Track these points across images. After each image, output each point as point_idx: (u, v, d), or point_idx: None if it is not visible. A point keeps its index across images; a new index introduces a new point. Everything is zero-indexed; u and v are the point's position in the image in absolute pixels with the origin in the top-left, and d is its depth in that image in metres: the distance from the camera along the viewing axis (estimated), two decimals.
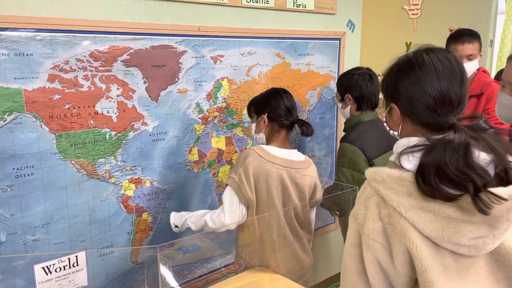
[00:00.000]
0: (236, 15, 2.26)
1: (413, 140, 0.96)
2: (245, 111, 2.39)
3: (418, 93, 0.95)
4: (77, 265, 1.89)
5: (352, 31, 2.91)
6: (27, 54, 1.64)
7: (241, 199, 1.78)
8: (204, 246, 2.30)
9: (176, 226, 1.94)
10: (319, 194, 2.00)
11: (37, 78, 1.67)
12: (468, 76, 2.26)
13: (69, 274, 1.87)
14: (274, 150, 1.84)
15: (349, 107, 2.18)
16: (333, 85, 2.83)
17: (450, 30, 3.00)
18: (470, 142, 0.89)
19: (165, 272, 1.56)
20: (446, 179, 0.87)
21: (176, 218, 1.95)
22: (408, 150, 0.93)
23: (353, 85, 2.14)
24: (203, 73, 2.16)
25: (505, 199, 0.84)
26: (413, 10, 3.45)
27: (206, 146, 2.25)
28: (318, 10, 2.63)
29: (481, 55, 2.37)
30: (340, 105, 2.24)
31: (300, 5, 2.53)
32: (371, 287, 0.95)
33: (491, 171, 0.90)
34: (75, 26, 1.73)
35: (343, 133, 2.23)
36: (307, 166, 1.91)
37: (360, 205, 0.98)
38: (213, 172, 2.31)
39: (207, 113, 2.22)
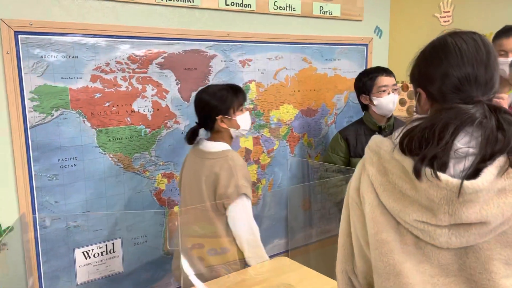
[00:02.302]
0: (264, 21, 2.39)
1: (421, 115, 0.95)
2: (272, 113, 2.50)
3: (443, 74, 0.92)
4: (114, 252, 2.05)
5: (380, 37, 2.98)
6: (73, 57, 1.83)
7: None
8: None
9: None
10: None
11: (81, 78, 1.86)
12: None
13: (106, 260, 2.03)
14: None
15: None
16: None
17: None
18: (462, 122, 0.85)
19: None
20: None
21: None
22: (413, 121, 0.92)
23: None
24: (232, 76, 2.30)
25: (439, 180, 0.83)
26: (444, 17, 3.47)
27: (234, 146, 2.37)
28: (344, 16, 2.72)
29: None
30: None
31: (326, 12, 2.63)
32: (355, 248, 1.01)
33: (467, 162, 0.86)
34: (115, 32, 1.92)
35: None
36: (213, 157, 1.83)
37: (356, 170, 1.04)
38: None
39: None
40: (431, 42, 0.99)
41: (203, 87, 1.89)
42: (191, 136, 1.88)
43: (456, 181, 0.82)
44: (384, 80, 2.23)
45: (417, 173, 0.84)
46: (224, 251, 1.85)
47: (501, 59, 2.17)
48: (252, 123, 2.42)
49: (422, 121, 0.89)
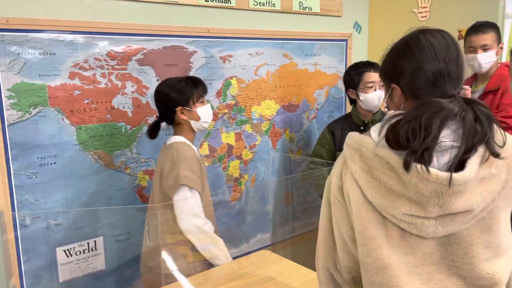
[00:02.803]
0: (244, 17, 2.40)
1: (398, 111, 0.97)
2: (254, 108, 2.51)
3: (417, 68, 0.94)
4: (96, 249, 2.04)
5: (359, 32, 3.01)
6: (50, 54, 1.82)
7: None
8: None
9: None
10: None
11: (59, 75, 1.85)
12: (486, 69, 2.21)
13: (88, 257, 2.02)
14: None
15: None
16: (340, 84, 2.93)
17: (459, 32, 3.06)
18: (464, 115, 0.89)
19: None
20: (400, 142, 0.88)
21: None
22: (390, 118, 0.93)
23: None
24: (213, 72, 2.31)
25: (428, 172, 0.85)
26: (422, 13, 3.52)
27: (216, 141, 2.38)
28: (324, 12, 2.75)
29: (501, 48, 2.26)
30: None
31: (306, 7, 2.66)
32: (336, 244, 1.03)
33: (452, 154, 0.89)
34: (94, 28, 1.91)
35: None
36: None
37: (335, 165, 1.05)
38: (223, 166, 2.43)
39: (217, 109, 2.35)
40: (402, 38, 1.01)
41: (163, 80, 1.89)
42: (152, 130, 1.86)
43: (445, 174, 0.85)
44: (371, 76, 2.22)
45: (407, 167, 0.86)
46: (207, 247, 1.87)
47: (470, 56, 2.22)
48: (233, 119, 2.43)
49: (403, 116, 0.90)
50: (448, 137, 0.90)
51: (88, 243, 2.00)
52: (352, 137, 0.99)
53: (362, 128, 2.27)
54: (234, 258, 1.91)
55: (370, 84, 2.22)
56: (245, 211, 2.55)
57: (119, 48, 1.99)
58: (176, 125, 1.86)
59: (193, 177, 1.74)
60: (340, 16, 2.85)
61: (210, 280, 1.73)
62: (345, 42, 2.91)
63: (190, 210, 1.74)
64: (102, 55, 1.94)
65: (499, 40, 2.25)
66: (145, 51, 2.06)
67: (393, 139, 0.89)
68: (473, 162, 0.88)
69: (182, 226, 1.74)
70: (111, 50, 1.96)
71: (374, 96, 2.21)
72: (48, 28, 1.80)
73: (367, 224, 0.93)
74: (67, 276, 1.96)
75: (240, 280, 1.73)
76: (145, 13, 2.06)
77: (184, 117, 1.81)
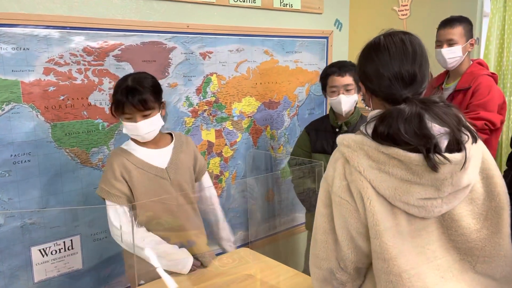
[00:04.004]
0: (224, 13, 2.38)
1: (376, 112, 1.07)
2: (234, 105, 2.50)
3: (375, 71, 1.07)
4: (72, 248, 2.00)
5: (340, 30, 3.02)
6: (24, 49, 1.77)
7: None
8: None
9: None
10: None
11: (33, 71, 1.80)
12: (452, 65, 2.17)
13: (64, 257, 1.98)
14: None
15: (359, 98, 2.17)
16: None
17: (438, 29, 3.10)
18: (423, 113, 0.99)
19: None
20: (401, 143, 0.98)
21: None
22: (371, 120, 1.05)
23: None
24: (192, 69, 2.28)
25: (449, 161, 0.96)
26: (402, 10, 3.55)
27: (196, 139, 2.36)
28: (304, 9, 2.75)
29: (471, 44, 2.20)
30: (356, 96, 2.14)
31: (286, 4, 2.65)
32: (339, 245, 1.05)
33: (445, 141, 1.00)
34: (69, 23, 1.86)
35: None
36: None
37: (330, 167, 1.09)
38: None
39: (196, 106, 2.33)
40: (368, 43, 1.12)
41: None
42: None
43: (460, 155, 0.98)
44: (334, 80, 2.12)
45: (434, 168, 0.96)
46: (190, 244, 1.85)
47: (436, 50, 2.20)
48: (213, 116, 2.41)
49: (379, 126, 1.00)
50: (436, 128, 1.00)
51: (64, 242, 1.97)
52: (348, 138, 1.05)
53: (337, 130, 2.19)
54: (216, 255, 1.91)
55: (334, 89, 2.12)
56: (225, 209, 2.54)
57: (95, 44, 1.95)
58: None
59: (106, 188, 1.66)
60: (321, 13, 2.86)
61: (191, 277, 1.72)
62: (326, 39, 2.91)
63: (110, 222, 1.67)
64: (78, 51, 1.90)
65: (469, 35, 2.19)
66: (123, 46, 2.03)
67: (392, 139, 0.99)
68: (469, 143, 1.00)
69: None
70: (88, 45, 1.93)
71: (337, 101, 2.12)
72: (22, 23, 1.75)
73: (379, 218, 0.99)
74: (43, 276, 1.92)
75: (221, 278, 1.72)
76: (123, 8, 2.02)
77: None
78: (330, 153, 1.17)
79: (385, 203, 1.00)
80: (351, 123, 2.18)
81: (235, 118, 2.52)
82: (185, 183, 1.80)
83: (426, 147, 0.96)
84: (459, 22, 2.18)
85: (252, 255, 1.87)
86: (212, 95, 2.39)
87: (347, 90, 2.11)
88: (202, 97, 2.35)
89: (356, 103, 2.19)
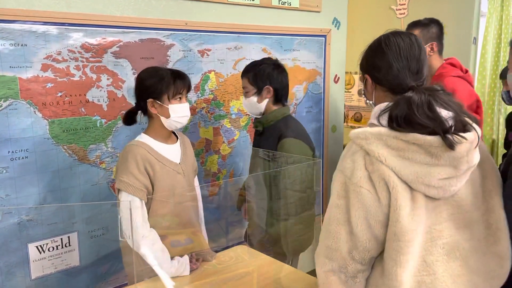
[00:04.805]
0: (223, 11, 2.38)
1: (384, 104, 1.15)
2: (232, 103, 2.50)
3: (385, 62, 1.18)
4: (70, 245, 2.00)
5: (338, 28, 3.03)
6: (22, 45, 1.77)
7: None
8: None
9: None
10: None
11: (31, 67, 1.80)
12: None
13: (61, 254, 1.98)
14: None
15: (266, 100, 2.06)
16: (319, 80, 2.94)
17: None
18: (431, 99, 1.09)
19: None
20: (417, 127, 1.06)
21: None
22: (383, 112, 1.13)
23: (273, 76, 2.04)
24: (190, 66, 2.28)
25: (466, 139, 1.04)
26: (400, 10, 3.56)
27: (194, 136, 2.36)
28: (303, 7, 2.75)
29: (432, 49, 2.17)
30: (255, 99, 2.06)
31: (285, 2, 2.65)
32: (354, 235, 1.10)
33: (452, 124, 1.08)
34: (67, 20, 1.86)
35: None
36: None
37: (347, 159, 1.14)
38: (201, 161, 2.42)
39: (194, 104, 2.33)
40: (377, 39, 1.23)
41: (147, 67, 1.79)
42: (126, 117, 1.78)
43: (473, 134, 1.07)
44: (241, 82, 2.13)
45: (451, 146, 1.03)
46: (188, 242, 1.85)
47: None
48: (211, 113, 2.41)
49: (394, 111, 1.09)
50: (444, 112, 1.08)
51: (61, 239, 1.96)
52: (364, 132, 1.12)
53: (257, 130, 2.17)
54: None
55: (244, 90, 2.12)
56: (223, 206, 2.55)
57: (93, 40, 1.94)
58: (149, 118, 1.77)
59: (126, 180, 1.62)
60: (319, 12, 2.86)
61: (189, 275, 1.72)
62: (324, 38, 2.92)
63: (128, 214, 1.62)
64: (76, 47, 1.90)
65: (428, 38, 2.15)
66: (121, 43, 2.02)
67: (408, 124, 1.07)
68: (473, 125, 1.10)
69: (124, 230, 1.64)
70: (86, 42, 1.92)
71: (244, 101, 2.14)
72: (20, 19, 1.75)
73: (402, 203, 1.06)
74: (40, 272, 1.91)
75: (219, 275, 1.73)
76: (121, 4, 2.02)
77: (154, 110, 1.70)
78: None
79: (407, 188, 1.07)
80: (262, 123, 2.11)
81: (233, 116, 2.52)
82: (192, 179, 1.87)
83: (443, 128, 1.04)
84: (417, 26, 2.17)
85: (250, 253, 1.88)
86: (210, 92, 2.39)
87: (245, 93, 2.11)
88: (200, 95, 2.35)
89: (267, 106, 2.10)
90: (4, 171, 1.78)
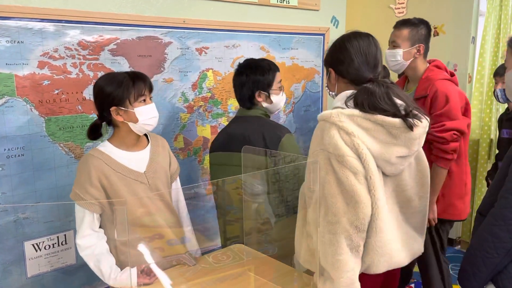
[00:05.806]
0: (221, 9, 2.37)
1: (348, 92, 1.33)
2: (230, 101, 2.49)
3: (348, 58, 1.34)
4: (66, 243, 1.99)
5: (336, 27, 3.02)
6: (18, 42, 1.76)
7: None
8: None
9: None
10: None
11: (27, 64, 1.78)
12: (395, 67, 2.07)
13: (58, 252, 1.97)
14: None
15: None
16: (317, 79, 2.93)
17: (434, 28, 3.10)
18: (389, 90, 1.28)
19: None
20: (380, 110, 1.24)
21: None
22: (349, 99, 1.31)
23: None
24: (188, 64, 2.27)
25: (421, 122, 1.25)
26: (399, 8, 3.55)
27: (191, 134, 2.36)
28: (301, 6, 2.74)
29: (418, 51, 2.07)
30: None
31: (284, 1, 2.64)
32: (352, 202, 1.22)
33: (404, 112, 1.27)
34: (64, 16, 1.85)
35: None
36: None
37: (325, 137, 1.26)
38: (198, 159, 2.41)
39: (192, 102, 2.33)
40: (340, 37, 1.39)
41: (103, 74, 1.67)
42: (90, 131, 1.64)
43: (425, 121, 1.28)
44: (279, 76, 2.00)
45: (411, 127, 1.23)
46: (183, 241, 1.84)
47: (386, 51, 2.08)
48: (209, 111, 2.41)
49: (359, 98, 1.28)
50: (398, 101, 1.28)
51: (58, 237, 1.95)
52: (336, 112, 1.26)
53: None
54: (210, 251, 1.90)
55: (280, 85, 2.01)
56: (220, 206, 2.54)
57: (91, 38, 1.93)
58: (114, 127, 1.63)
59: (80, 192, 1.55)
60: (317, 10, 2.85)
61: (185, 274, 1.71)
62: (322, 36, 2.91)
63: (80, 229, 1.57)
64: (73, 44, 1.89)
65: (414, 40, 2.06)
66: (118, 41, 2.01)
67: (374, 109, 1.25)
68: (423, 117, 1.28)
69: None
70: (83, 39, 1.91)
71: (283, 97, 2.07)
72: (16, 15, 1.73)
73: (374, 174, 1.23)
74: (36, 270, 1.91)
75: (216, 274, 1.72)
76: (119, 2, 2.01)
77: (120, 118, 1.56)
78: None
79: (373, 160, 1.25)
80: None
81: (231, 114, 2.51)
82: (162, 187, 1.73)
83: (404, 112, 1.24)
84: (406, 26, 2.07)
85: (247, 251, 1.87)
86: (208, 91, 2.38)
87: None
88: (198, 93, 2.34)
89: None
90: (0, 168, 1.77)
